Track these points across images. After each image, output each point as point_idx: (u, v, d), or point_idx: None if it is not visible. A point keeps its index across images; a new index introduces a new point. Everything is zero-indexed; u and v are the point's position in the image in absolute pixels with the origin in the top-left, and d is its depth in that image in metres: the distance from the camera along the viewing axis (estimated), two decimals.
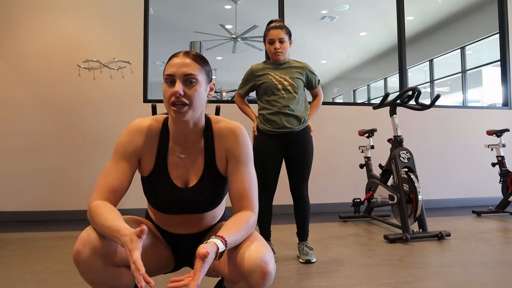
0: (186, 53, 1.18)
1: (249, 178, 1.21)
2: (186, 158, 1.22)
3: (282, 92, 2.35)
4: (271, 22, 2.46)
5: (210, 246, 0.97)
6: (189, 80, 1.15)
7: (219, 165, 1.23)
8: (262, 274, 1.02)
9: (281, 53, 2.37)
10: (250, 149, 1.24)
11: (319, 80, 2.53)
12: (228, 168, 1.22)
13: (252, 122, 2.48)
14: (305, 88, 2.49)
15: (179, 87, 1.13)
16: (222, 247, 1.00)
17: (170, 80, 1.14)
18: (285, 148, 2.38)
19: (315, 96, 2.58)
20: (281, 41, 2.36)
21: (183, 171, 1.22)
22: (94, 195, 1.13)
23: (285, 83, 2.36)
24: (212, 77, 1.25)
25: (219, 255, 1.00)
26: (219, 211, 1.33)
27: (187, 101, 1.14)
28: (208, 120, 1.25)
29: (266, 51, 2.49)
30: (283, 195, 3.28)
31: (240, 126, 1.24)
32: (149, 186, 1.23)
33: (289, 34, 2.42)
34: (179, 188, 1.22)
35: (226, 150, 1.22)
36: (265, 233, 2.40)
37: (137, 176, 1.26)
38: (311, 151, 2.40)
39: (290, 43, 2.43)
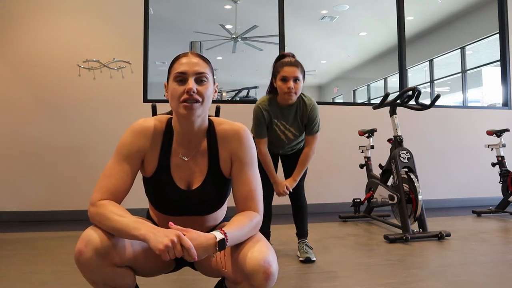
0: (193, 53, 1.19)
1: (254, 180, 1.21)
2: (189, 160, 1.22)
3: (285, 140, 2.34)
4: (283, 56, 2.23)
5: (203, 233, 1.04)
6: (200, 78, 1.15)
7: (223, 168, 1.23)
8: (266, 275, 1.03)
9: (294, 94, 2.15)
10: (254, 150, 1.24)
11: (318, 131, 2.30)
12: (233, 170, 1.22)
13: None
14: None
15: (192, 84, 1.13)
16: (220, 236, 1.02)
17: (181, 78, 1.14)
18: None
19: (306, 144, 2.30)
20: (296, 80, 2.14)
21: (186, 173, 1.22)
22: (97, 195, 1.11)
23: (289, 134, 2.32)
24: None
25: (218, 244, 1.01)
26: (220, 213, 1.33)
27: (199, 98, 1.14)
28: (210, 122, 1.25)
29: (269, 85, 2.29)
30: None
31: (244, 128, 1.24)
32: (152, 187, 1.23)
33: (303, 72, 2.19)
34: (182, 190, 1.21)
35: (230, 152, 1.22)
36: (265, 234, 2.39)
37: (138, 175, 1.25)
38: None
39: (303, 82, 2.20)
